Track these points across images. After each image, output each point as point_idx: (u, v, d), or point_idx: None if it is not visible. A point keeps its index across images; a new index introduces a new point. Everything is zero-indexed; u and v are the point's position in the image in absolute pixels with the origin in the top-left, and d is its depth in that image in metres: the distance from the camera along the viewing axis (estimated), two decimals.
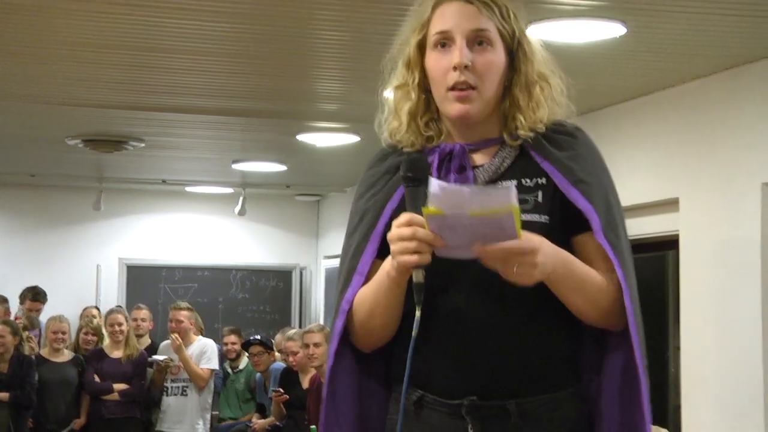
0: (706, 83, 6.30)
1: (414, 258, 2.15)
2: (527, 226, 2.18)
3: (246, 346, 9.56)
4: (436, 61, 2.35)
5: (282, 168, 10.58)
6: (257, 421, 9.17)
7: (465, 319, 2.27)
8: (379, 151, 2.48)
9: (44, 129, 8.65)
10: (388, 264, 2.25)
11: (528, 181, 2.33)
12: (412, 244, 2.15)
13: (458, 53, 2.30)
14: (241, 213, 12.14)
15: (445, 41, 2.34)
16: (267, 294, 13.25)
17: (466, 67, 2.30)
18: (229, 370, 9.84)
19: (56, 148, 9.42)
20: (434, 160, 2.36)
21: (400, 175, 2.28)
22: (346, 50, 6.04)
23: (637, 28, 5.33)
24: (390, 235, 2.20)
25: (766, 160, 5.84)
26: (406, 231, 2.15)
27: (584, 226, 2.31)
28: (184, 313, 9.23)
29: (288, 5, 5.14)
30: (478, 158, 2.38)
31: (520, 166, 2.35)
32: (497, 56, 2.34)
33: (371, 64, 6.34)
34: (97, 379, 8.97)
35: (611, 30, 5.31)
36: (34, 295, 10.15)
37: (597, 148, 2.41)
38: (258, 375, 9.49)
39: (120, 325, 9.11)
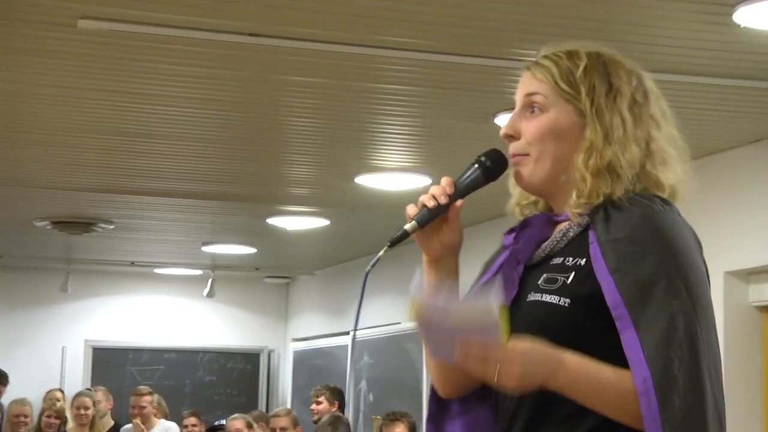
0: None
1: (417, 205, 2.14)
2: (542, 306, 2.08)
3: (212, 431, 9.49)
4: None
5: (252, 250, 10.60)
6: None
7: (506, 397, 2.14)
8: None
9: (12, 210, 8.65)
10: None
11: (570, 260, 2.09)
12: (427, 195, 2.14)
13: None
14: (210, 295, 12.11)
15: None
16: (234, 377, 13.17)
17: (511, 136, 2.17)
18: None
19: (24, 230, 9.40)
20: (517, 228, 2.24)
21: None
22: (317, 136, 6.11)
23: None
24: None
25: (729, 248, 5.92)
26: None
27: None
28: (146, 398, 9.16)
29: (259, 91, 5.22)
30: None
31: (576, 243, 2.11)
32: (548, 119, 2.14)
33: (341, 149, 6.49)
34: None
35: None
36: None
37: (664, 227, 2.05)
38: None
39: (87, 408, 9.02)
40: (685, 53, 4.50)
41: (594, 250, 2.05)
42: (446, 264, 2.21)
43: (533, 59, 2.22)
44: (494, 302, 1.91)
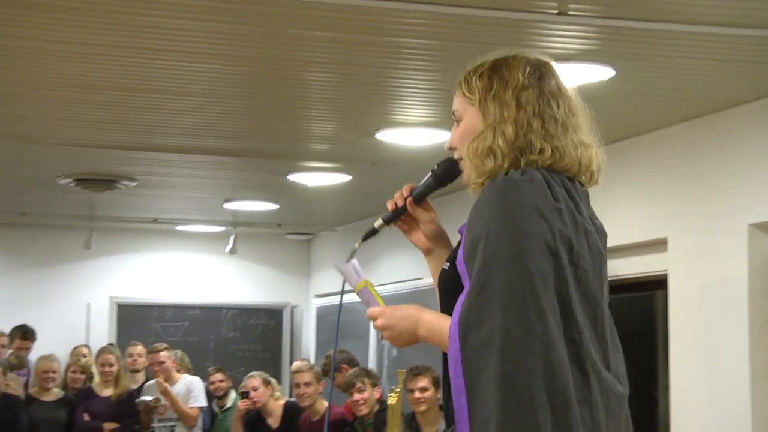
0: (693, 126, 6.36)
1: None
2: (442, 270, 2.59)
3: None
4: None
5: (274, 207, 10.61)
6: None
7: None
8: None
9: (35, 168, 8.67)
10: None
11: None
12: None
13: None
14: (233, 252, 12.15)
15: None
16: (258, 333, 13.23)
17: (451, 148, 2.62)
18: (217, 409, 9.81)
19: (47, 187, 9.44)
20: None
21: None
22: (337, 91, 6.09)
23: (625, 72, 5.39)
24: None
25: (753, 201, 5.89)
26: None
27: None
28: (163, 354, 9.19)
29: (279, 47, 5.19)
30: None
31: None
32: (462, 125, 2.57)
33: (362, 105, 6.45)
34: (86, 418, 8.94)
35: (600, 73, 5.36)
36: (24, 334, 10.12)
37: (487, 199, 2.40)
38: None
39: (111, 365, 9.08)
40: (712, 3, 4.45)
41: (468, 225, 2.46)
42: (439, 255, 2.72)
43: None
44: (356, 279, 2.64)
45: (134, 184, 9.09)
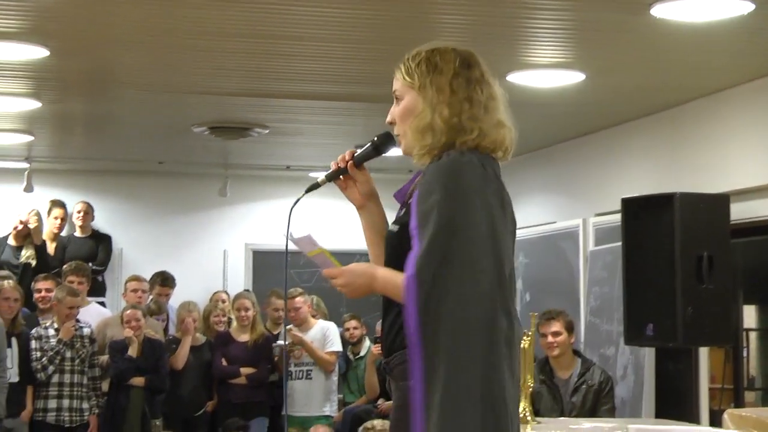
0: None
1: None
2: (388, 232, 3.14)
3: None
4: None
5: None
6: (384, 403, 9.24)
7: None
8: None
9: (171, 117, 8.82)
10: None
11: (409, 200, 3.04)
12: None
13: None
14: None
15: None
16: None
17: (390, 123, 3.16)
18: (351, 356, 9.88)
19: (183, 136, 9.59)
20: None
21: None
22: (468, 33, 6.03)
23: (765, 6, 5.22)
24: None
25: None
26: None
27: None
28: (299, 299, 9.24)
29: None
30: None
31: (416, 188, 3.02)
32: (402, 105, 3.09)
33: (492, 46, 6.39)
34: (224, 362, 9.10)
35: (739, 8, 5.20)
36: (163, 281, 10.32)
37: (444, 172, 2.93)
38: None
39: (246, 310, 9.21)
40: None
41: (415, 192, 2.98)
42: (370, 210, 3.33)
43: None
44: (304, 241, 3.12)
45: (267, 131, 9.17)
